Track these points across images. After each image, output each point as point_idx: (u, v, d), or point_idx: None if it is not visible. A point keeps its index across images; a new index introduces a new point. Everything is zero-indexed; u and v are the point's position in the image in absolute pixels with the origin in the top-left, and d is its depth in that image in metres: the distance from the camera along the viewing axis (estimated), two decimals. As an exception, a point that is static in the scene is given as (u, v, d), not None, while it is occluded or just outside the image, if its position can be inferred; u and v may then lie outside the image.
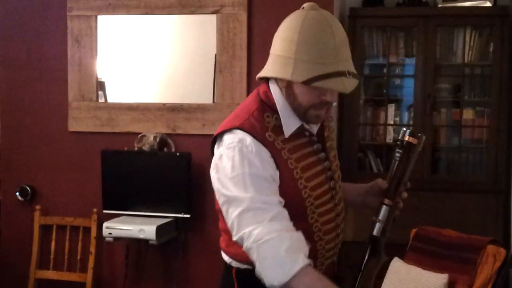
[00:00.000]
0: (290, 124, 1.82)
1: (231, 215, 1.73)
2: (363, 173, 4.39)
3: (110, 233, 3.84)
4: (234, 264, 1.92)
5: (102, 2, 4.14)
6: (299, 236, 1.71)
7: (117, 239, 3.90)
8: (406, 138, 1.86)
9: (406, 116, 4.50)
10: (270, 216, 1.68)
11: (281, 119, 1.81)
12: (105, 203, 4.04)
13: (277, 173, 1.77)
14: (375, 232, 1.85)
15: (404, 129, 1.89)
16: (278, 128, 1.81)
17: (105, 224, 3.87)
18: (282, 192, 1.77)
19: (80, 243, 4.14)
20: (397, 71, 4.59)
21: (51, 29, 4.24)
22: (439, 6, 4.40)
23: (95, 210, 4.09)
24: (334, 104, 1.85)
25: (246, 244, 1.69)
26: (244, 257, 1.78)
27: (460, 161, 4.40)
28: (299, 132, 1.85)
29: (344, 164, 4.38)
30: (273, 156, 1.76)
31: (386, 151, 4.46)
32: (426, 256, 3.55)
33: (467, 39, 4.33)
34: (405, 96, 4.53)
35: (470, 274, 3.31)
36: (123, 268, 4.13)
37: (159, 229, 3.78)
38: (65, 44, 4.20)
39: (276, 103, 1.82)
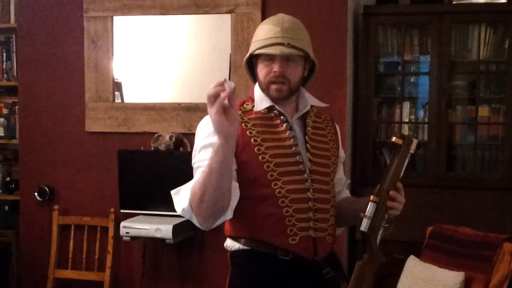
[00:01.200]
0: (261, 103, 2.09)
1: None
2: (378, 171, 4.38)
3: (127, 233, 3.87)
4: (230, 248, 2.10)
5: (118, 3, 4.18)
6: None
7: (134, 238, 3.93)
8: (393, 139, 1.96)
9: (421, 114, 4.49)
10: (200, 171, 1.92)
11: (255, 100, 2.11)
12: (122, 203, 4.08)
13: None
14: (362, 227, 1.94)
15: (410, 132, 1.95)
16: (250, 111, 2.10)
17: (122, 224, 3.90)
18: (239, 154, 1.98)
19: (97, 242, 4.18)
20: (412, 68, 4.58)
21: (67, 30, 4.28)
22: (454, 3, 4.39)
23: (112, 209, 4.13)
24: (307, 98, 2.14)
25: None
26: (232, 231, 2.07)
27: (475, 158, 4.38)
28: (272, 116, 2.09)
29: (359, 162, 4.42)
30: None
31: (401, 149, 4.46)
32: (442, 254, 3.55)
33: (482, 35, 4.31)
34: (420, 93, 4.53)
35: (487, 272, 3.31)
36: (140, 267, 4.16)
37: (176, 228, 3.80)
38: (82, 45, 4.24)
39: (254, 90, 2.14)
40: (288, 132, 2.07)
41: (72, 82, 4.28)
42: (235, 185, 1.92)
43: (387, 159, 4.46)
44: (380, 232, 1.95)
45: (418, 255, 3.62)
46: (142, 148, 4.13)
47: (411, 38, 4.49)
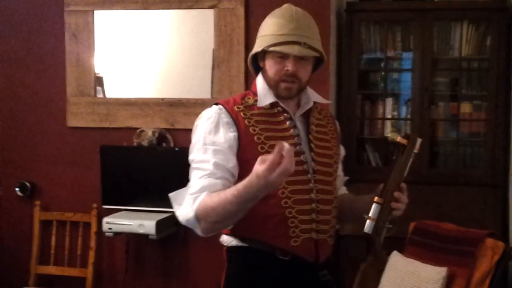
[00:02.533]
0: (265, 98, 2.02)
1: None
2: (362, 167, 4.40)
3: (110, 228, 3.85)
4: (226, 243, 2.06)
5: (100, -3, 4.15)
6: (215, 183, 1.89)
7: (117, 234, 3.91)
8: (398, 139, 1.92)
9: (404, 110, 4.50)
10: (201, 174, 1.91)
11: (258, 95, 2.04)
12: (105, 198, 4.06)
13: (235, 135, 1.96)
14: (366, 229, 1.90)
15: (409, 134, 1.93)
16: (252, 106, 2.03)
17: (104, 219, 3.88)
18: (242, 152, 1.95)
19: (80, 238, 4.15)
20: (394, 65, 4.58)
21: (48, 25, 4.24)
22: (436, 0, 4.40)
23: (94, 205, 4.10)
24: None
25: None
26: (230, 231, 2.01)
27: (458, 154, 4.41)
28: (276, 112, 2.03)
29: (343, 158, 4.42)
30: (234, 120, 1.97)
31: (384, 145, 4.48)
32: (425, 249, 3.57)
33: (464, 32, 4.34)
34: (403, 90, 4.53)
35: (469, 267, 3.33)
36: (123, 263, 4.14)
37: (159, 224, 3.79)
38: (63, 39, 4.20)
39: (257, 84, 2.07)
40: (292, 130, 2.03)
41: (53, 77, 4.25)
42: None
43: (371, 155, 4.47)
44: (384, 233, 1.93)
45: (401, 251, 3.64)
46: (124, 143, 4.11)
47: (394, 35, 4.50)
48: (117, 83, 4.40)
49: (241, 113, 1.99)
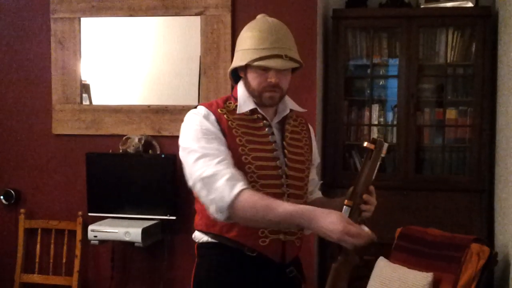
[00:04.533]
0: (244, 105, 2.11)
1: (188, 164, 2.00)
2: (348, 173, 4.41)
3: (95, 236, 3.83)
4: (197, 239, 2.16)
5: (86, 4, 4.13)
6: (238, 172, 1.95)
7: (102, 242, 3.89)
8: (365, 145, 1.99)
9: (390, 116, 4.52)
10: (217, 160, 1.94)
11: (238, 102, 2.12)
12: (90, 206, 4.03)
13: (221, 133, 2.05)
14: None
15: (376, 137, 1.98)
16: (234, 110, 2.11)
17: (90, 227, 3.86)
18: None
19: (65, 246, 4.13)
20: (381, 71, 4.61)
21: (34, 32, 4.23)
22: (422, 6, 4.43)
23: (80, 213, 4.08)
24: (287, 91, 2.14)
25: (197, 186, 1.95)
26: (204, 226, 2.10)
27: (443, 160, 4.42)
28: (255, 119, 2.12)
29: (329, 164, 4.44)
30: (218, 122, 2.06)
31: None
32: (411, 255, 3.58)
33: (450, 39, 4.36)
34: (389, 96, 4.55)
35: (455, 272, 3.34)
36: (109, 271, 4.12)
37: (145, 231, 3.77)
38: (49, 46, 4.19)
39: (238, 91, 2.15)
40: (270, 136, 2.12)
41: (39, 84, 4.23)
42: None
43: (357, 161, 4.48)
44: None
45: (387, 257, 3.65)
46: (110, 150, 4.09)
47: (380, 41, 4.52)
48: (103, 90, 4.38)
49: (224, 115, 2.08)
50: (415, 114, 4.34)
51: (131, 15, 4.11)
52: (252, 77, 2.07)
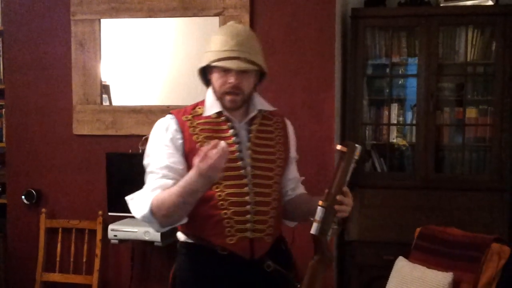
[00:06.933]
0: (211, 108, 2.21)
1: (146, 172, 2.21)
2: (367, 172, 4.40)
3: (115, 235, 3.86)
4: (179, 239, 2.30)
5: (105, 6, 4.17)
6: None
7: (122, 241, 3.92)
8: (338, 147, 2.06)
9: (409, 116, 4.50)
10: (155, 177, 2.14)
11: (205, 105, 2.23)
12: (110, 206, 4.06)
13: (181, 142, 2.18)
14: (312, 231, 2.04)
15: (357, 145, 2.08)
16: (201, 114, 2.22)
17: (110, 226, 3.89)
18: (186, 157, 2.16)
19: (85, 245, 4.16)
20: (400, 71, 4.58)
21: (55, 33, 4.27)
22: (441, 5, 4.40)
23: (100, 212, 4.11)
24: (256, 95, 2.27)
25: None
26: (183, 229, 2.24)
27: (463, 159, 4.39)
28: (220, 122, 2.21)
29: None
30: (181, 128, 2.19)
31: (390, 150, 4.47)
32: (431, 254, 3.56)
33: (470, 38, 4.33)
34: (408, 95, 4.53)
35: (475, 272, 3.32)
36: (129, 270, 4.15)
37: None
38: (69, 48, 4.23)
39: (207, 95, 2.26)
40: (233, 138, 2.20)
41: (60, 85, 4.27)
42: None
43: (376, 161, 4.47)
44: (329, 233, 2.06)
45: (407, 256, 3.63)
46: (130, 150, 4.12)
47: (399, 40, 4.50)
48: (123, 91, 4.41)
49: (188, 122, 2.20)
50: (434, 113, 4.31)
51: (150, 16, 4.13)
52: (215, 79, 2.18)
